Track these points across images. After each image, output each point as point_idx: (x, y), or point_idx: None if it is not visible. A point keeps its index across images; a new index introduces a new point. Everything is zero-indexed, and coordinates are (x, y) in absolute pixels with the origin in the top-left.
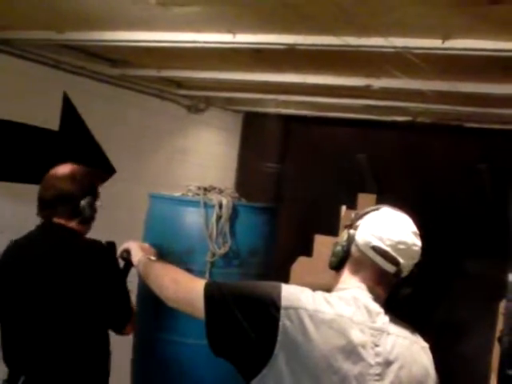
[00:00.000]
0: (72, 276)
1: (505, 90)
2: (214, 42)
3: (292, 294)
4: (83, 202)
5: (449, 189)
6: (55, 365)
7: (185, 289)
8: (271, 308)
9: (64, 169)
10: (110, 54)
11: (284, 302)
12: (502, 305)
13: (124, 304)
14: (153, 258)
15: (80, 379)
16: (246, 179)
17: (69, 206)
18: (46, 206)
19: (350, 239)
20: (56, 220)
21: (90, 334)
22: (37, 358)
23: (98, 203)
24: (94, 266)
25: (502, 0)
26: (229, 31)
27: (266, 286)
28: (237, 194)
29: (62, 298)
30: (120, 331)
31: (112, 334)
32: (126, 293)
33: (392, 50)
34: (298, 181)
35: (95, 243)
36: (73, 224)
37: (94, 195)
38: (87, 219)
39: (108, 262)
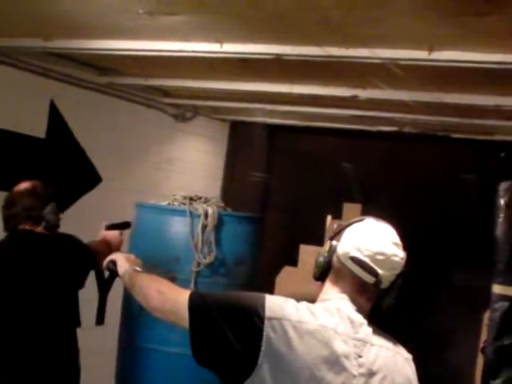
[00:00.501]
0: (46, 272)
1: (490, 102)
2: (201, 51)
3: (276, 304)
4: (46, 211)
5: (435, 199)
6: (25, 362)
7: (170, 299)
8: (255, 318)
9: (24, 185)
10: (98, 62)
11: (268, 313)
12: (487, 315)
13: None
14: (138, 268)
15: (51, 375)
16: (232, 188)
17: (33, 216)
18: (11, 219)
19: (332, 250)
20: (23, 227)
21: (58, 330)
22: (8, 357)
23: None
24: (62, 261)
25: (487, 12)
26: (216, 41)
27: (250, 296)
28: (223, 204)
29: (33, 294)
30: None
31: (99, 338)
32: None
33: (378, 61)
34: (284, 190)
35: (66, 236)
36: (39, 229)
37: (55, 203)
38: (52, 225)
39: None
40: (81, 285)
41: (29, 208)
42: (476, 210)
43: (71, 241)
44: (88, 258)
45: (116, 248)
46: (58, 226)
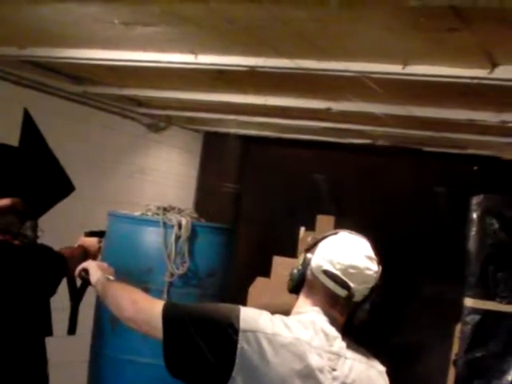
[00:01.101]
0: (10, 285)
1: (463, 116)
2: (176, 62)
3: (250, 317)
4: (25, 226)
5: (407, 211)
6: None
7: (143, 309)
8: (229, 330)
9: (2, 202)
10: (73, 71)
11: (242, 325)
12: (458, 328)
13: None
14: (111, 277)
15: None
16: (205, 199)
17: (12, 231)
18: None
19: (306, 263)
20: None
21: (26, 339)
22: None
23: (39, 232)
24: (35, 271)
25: (459, 27)
26: (191, 52)
27: (224, 308)
28: (196, 215)
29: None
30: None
31: (71, 348)
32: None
33: (351, 74)
34: (257, 201)
35: (36, 245)
36: (16, 242)
37: (34, 220)
38: (30, 240)
39: (45, 266)
40: (51, 293)
41: (8, 224)
42: (448, 224)
43: (41, 249)
44: (58, 266)
45: (93, 255)
46: (35, 241)
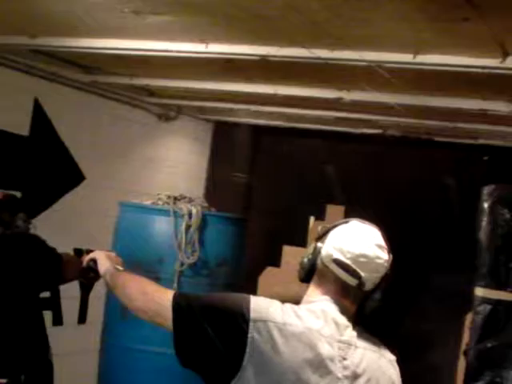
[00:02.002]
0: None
1: (475, 106)
2: (186, 51)
3: (261, 306)
4: (17, 218)
5: (417, 201)
6: None
7: (153, 300)
8: (240, 320)
9: None
10: (83, 60)
11: (253, 315)
12: (468, 318)
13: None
14: (120, 267)
15: (23, 369)
16: (215, 188)
17: (3, 222)
18: None
19: (316, 252)
20: None
21: (27, 322)
22: None
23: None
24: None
25: (472, 17)
26: (202, 41)
27: (234, 297)
28: (206, 204)
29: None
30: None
31: (81, 337)
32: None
33: (364, 63)
34: (267, 191)
35: (28, 236)
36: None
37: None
38: (21, 231)
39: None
40: (45, 285)
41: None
42: (458, 213)
43: (34, 239)
44: (51, 258)
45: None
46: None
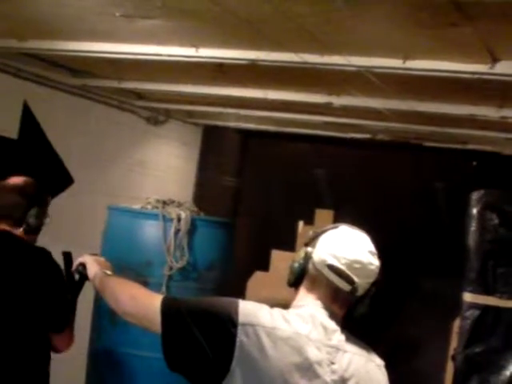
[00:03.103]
0: (12, 279)
1: (464, 111)
2: (176, 55)
3: (249, 310)
4: (30, 213)
5: (405, 206)
6: None
7: (142, 304)
8: (228, 324)
9: (14, 180)
10: (72, 63)
11: (241, 319)
12: (456, 323)
13: (63, 306)
14: (109, 272)
15: (20, 380)
16: (204, 193)
17: (15, 216)
18: None
19: (307, 257)
20: (1, 227)
21: (29, 336)
22: None
23: (47, 220)
24: (34, 270)
25: (461, 23)
26: (192, 45)
27: (223, 301)
28: (196, 208)
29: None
30: (59, 332)
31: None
32: (66, 297)
33: (353, 68)
34: (256, 195)
35: (37, 248)
36: (18, 232)
37: (42, 207)
38: (32, 229)
39: (48, 265)
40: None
41: (12, 206)
42: (446, 219)
43: (47, 256)
44: (58, 279)
45: None
46: (39, 230)
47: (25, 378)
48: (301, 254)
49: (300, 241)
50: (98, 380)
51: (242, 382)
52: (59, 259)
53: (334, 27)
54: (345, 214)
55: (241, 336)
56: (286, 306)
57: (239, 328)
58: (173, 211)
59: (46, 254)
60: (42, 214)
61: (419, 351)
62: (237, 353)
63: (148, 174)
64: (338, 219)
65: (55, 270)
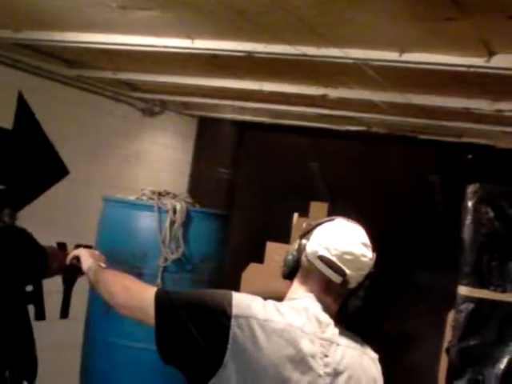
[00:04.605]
0: None
1: (459, 104)
2: (172, 46)
3: (243, 302)
4: (3, 213)
5: (401, 199)
6: None
7: (135, 296)
8: (221, 316)
9: None
10: (67, 54)
11: (235, 311)
12: (451, 316)
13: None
14: (103, 264)
15: (8, 364)
16: (198, 184)
17: None
18: None
19: (301, 249)
20: None
21: (11, 318)
22: None
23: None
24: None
25: (457, 17)
26: (188, 37)
27: (216, 294)
28: (191, 200)
29: None
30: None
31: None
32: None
33: (350, 61)
34: (251, 187)
35: (12, 228)
36: None
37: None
38: (6, 226)
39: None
40: (27, 279)
41: None
42: (441, 211)
43: (19, 232)
44: (36, 253)
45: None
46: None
47: (12, 361)
48: (295, 246)
49: (295, 233)
50: (93, 370)
51: (236, 374)
52: None
53: (332, 20)
54: (339, 207)
55: (234, 328)
56: (280, 297)
57: (233, 320)
58: (168, 203)
59: (23, 234)
60: (13, 215)
61: (413, 344)
62: (230, 345)
63: (143, 165)
64: (333, 212)
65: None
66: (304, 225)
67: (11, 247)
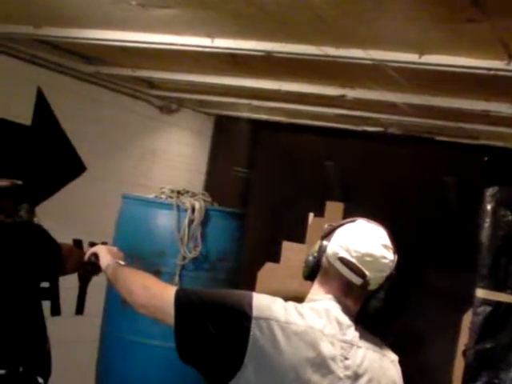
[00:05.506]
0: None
1: (477, 106)
2: (192, 45)
3: (263, 304)
4: (21, 208)
5: (416, 200)
6: None
7: (155, 295)
8: (242, 318)
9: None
10: (86, 51)
11: (255, 313)
12: (467, 318)
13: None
14: (121, 262)
15: (22, 360)
16: (214, 182)
17: (6, 211)
18: None
19: (322, 250)
20: None
21: (25, 314)
22: None
23: (35, 219)
24: (26, 245)
25: (479, 19)
26: (207, 35)
27: (237, 294)
28: (209, 199)
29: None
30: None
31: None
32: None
33: (369, 62)
34: (267, 186)
35: (29, 224)
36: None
37: (31, 205)
38: (23, 221)
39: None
40: (44, 275)
41: (3, 205)
42: (457, 213)
43: (35, 229)
44: (52, 248)
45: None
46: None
47: (25, 356)
48: (316, 247)
49: (310, 232)
50: (108, 366)
51: (255, 376)
52: None
53: (352, 20)
54: (355, 207)
55: (254, 330)
56: (296, 297)
57: (253, 322)
58: (187, 201)
59: (39, 230)
60: (31, 211)
61: (428, 345)
62: (250, 347)
63: (159, 163)
64: (348, 212)
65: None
66: (325, 225)
67: (26, 243)
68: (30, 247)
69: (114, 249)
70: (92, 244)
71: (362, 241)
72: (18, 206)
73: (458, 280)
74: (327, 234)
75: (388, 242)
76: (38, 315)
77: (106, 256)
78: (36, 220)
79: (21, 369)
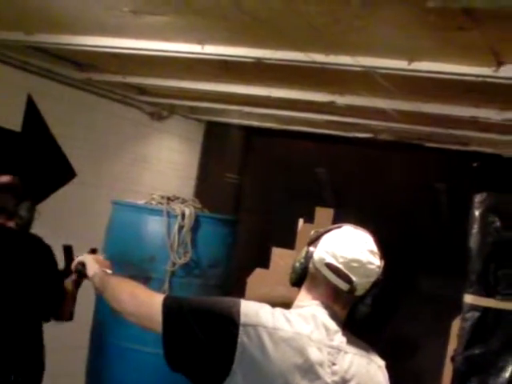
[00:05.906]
0: (9, 267)
1: (466, 113)
2: (183, 51)
3: (251, 310)
4: (21, 207)
5: (406, 206)
6: None
7: (142, 303)
8: (230, 324)
9: (3, 179)
10: (78, 57)
11: (243, 319)
12: (456, 324)
13: (55, 291)
14: (108, 270)
15: (14, 368)
16: (205, 189)
17: (7, 210)
18: None
19: (309, 256)
20: None
21: (22, 323)
22: None
23: (36, 214)
24: (29, 257)
25: (468, 27)
26: (198, 42)
27: (225, 302)
28: (200, 205)
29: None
30: (55, 316)
31: (71, 334)
32: (58, 283)
33: (359, 68)
34: (257, 192)
35: (32, 236)
36: (10, 225)
37: (31, 202)
38: (25, 222)
39: (42, 254)
40: (46, 284)
41: (4, 202)
42: (447, 219)
43: (40, 243)
44: (52, 263)
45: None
46: (30, 223)
47: (18, 365)
48: (302, 253)
49: (300, 238)
50: (98, 372)
51: (243, 382)
52: (59, 252)
53: (342, 27)
54: (345, 213)
55: (242, 337)
56: (285, 303)
57: (241, 329)
58: (177, 207)
59: (39, 241)
60: (32, 208)
61: (417, 351)
62: (238, 353)
63: (150, 169)
64: (338, 218)
65: (48, 255)
66: (312, 232)
67: (25, 253)
68: (28, 257)
69: (101, 257)
70: (93, 250)
71: (349, 247)
72: (19, 205)
73: (448, 286)
74: (314, 241)
75: (374, 248)
76: (33, 324)
77: (93, 265)
78: (36, 216)
79: (12, 377)
